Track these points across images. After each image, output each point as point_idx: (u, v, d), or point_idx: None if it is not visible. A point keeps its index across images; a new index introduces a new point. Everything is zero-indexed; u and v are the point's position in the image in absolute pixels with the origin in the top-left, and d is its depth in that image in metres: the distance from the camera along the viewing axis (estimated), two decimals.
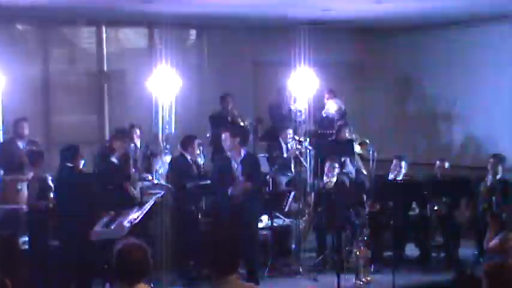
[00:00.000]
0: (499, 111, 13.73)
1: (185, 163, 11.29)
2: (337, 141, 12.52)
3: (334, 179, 11.87)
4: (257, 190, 10.74)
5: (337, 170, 11.93)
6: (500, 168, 11.98)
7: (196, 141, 11.56)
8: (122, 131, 11.34)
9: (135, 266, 4.95)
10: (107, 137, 13.40)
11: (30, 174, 10.15)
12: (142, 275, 5.01)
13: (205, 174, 11.57)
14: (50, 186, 10.10)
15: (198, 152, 11.83)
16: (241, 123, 13.19)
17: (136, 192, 10.72)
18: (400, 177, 12.13)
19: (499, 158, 12.16)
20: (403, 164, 12.27)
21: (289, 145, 12.56)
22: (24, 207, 10.03)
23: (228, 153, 10.65)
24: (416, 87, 15.45)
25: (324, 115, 13.68)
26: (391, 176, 12.21)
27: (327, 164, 11.95)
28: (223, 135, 10.80)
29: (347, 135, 12.80)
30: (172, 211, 11.07)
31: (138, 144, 12.13)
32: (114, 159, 10.60)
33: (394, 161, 12.40)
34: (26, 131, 11.75)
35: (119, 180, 10.57)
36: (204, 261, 5.46)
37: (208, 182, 11.27)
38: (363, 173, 12.70)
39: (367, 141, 12.84)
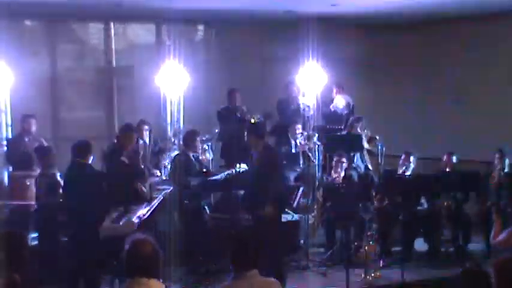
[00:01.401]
0: (510, 105, 13.68)
1: (187, 160, 11.28)
2: (346, 136, 12.50)
3: (343, 174, 11.87)
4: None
5: (345, 165, 11.93)
6: (507, 162, 11.99)
7: (199, 138, 11.54)
8: (129, 127, 11.29)
9: (146, 261, 4.97)
10: (116, 133, 13.42)
11: (38, 171, 10.16)
12: (153, 270, 5.03)
13: (207, 169, 11.60)
14: (58, 182, 10.11)
15: (205, 147, 11.82)
16: (252, 120, 13.19)
17: (146, 190, 10.71)
18: (408, 172, 12.12)
19: (504, 152, 12.16)
20: (412, 158, 12.26)
21: (297, 140, 12.56)
22: (33, 203, 10.04)
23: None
24: (425, 82, 15.41)
25: (332, 110, 13.66)
26: (399, 171, 12.20)
27: (335, 159, 11.95)
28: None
29: (359, 130, 12.76)
30: (180, 207, 11.10)
31: (147, 141, 12.13)
32: (124, 159, 10.59)
33: (403, 156, 12.39)
34: (34, 128, 11.78)
35: (129, 179, 10.59)
36: (228, 256, 5.51)
37: (216, 177, 11.30)
38: (369, 168, 12.69)
39: (377, 137, 12.80)
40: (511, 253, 8.05)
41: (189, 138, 11.37)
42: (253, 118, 13.14)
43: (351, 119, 13.09)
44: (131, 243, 5.04)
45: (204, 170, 11.41)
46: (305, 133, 12.50)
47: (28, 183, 10.35)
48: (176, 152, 11.97)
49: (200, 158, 11.58)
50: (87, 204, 9.39)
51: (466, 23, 14.23)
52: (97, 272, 9.57)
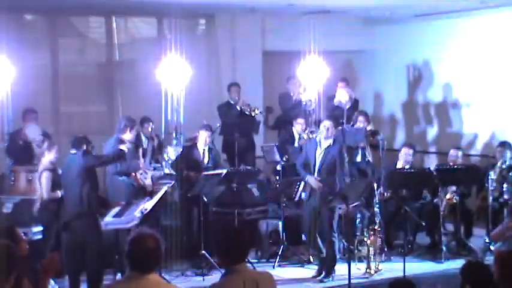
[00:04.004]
0: (510, 98, 13.66)
1: (193, 152, 11.35)
2: (347, 130, 12.49)
3: None
4: None
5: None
6: (508, 156, 11.97)
7: (202, 130, 11.55)
8: (131, 121, 11.20)
9: (148, 255, 4.95)
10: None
11: (40, 165, 10.15)
12: (154, 264, 5.01)
13: (214, 163, 11.62)
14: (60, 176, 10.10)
15: (209, 141, 11.84)
16: (252, 114, 13.18)
17: (147, 182, 10.71)
18: (408, 166, 12.11)
19: (506, 146, 12.15)
20: (412, 152, 12.25)
21: (299, 134, 12.55)
22: (36, 197, 10.03)
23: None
24: (427, 75, 15.38)
25: (336, 104, 13.63)
26: (399, 164, 12.18)
27: None
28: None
29: (362, 124, 12.72)
30: (183, 200, 11.10)
31: (149, 135, 12.15)
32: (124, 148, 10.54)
33: (403, 149, 12.38)
34: (35, 122, 11.75)
35: (127, 170, 10.60)
36: (216, 249, 5.45)
37: (220, 171, 11.31)
38: (371, 162, 12.67)
39: (381, 133, 12.74)
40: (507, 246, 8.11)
41: (198, 129, 11.52)
42: (253, 112, 13.13)
43: (356, 112, 13.08)
44: (134, 236, 5.03)
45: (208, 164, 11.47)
46: (308, 127, 12.49)
47: (30, 177, 10.34)
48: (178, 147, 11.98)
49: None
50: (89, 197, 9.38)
51: (467, 14, 14.19)
52: (99, 266, 9.54)
